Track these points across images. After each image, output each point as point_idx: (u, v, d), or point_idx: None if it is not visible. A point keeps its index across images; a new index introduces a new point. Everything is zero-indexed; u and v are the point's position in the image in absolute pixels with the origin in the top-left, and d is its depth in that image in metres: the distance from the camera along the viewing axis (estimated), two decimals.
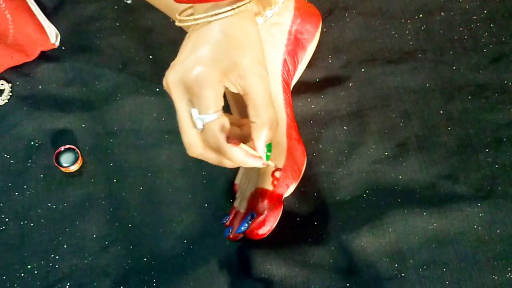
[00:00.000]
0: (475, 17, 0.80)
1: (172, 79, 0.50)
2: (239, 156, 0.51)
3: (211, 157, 0.52)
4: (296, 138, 0.69)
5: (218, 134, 0.49)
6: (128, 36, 0.82)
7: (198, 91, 0.48)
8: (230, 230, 0.65)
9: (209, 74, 0.48)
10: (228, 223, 0.66)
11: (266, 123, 0.51)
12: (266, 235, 0.64)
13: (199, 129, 0.50)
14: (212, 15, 0.49)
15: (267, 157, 0.53)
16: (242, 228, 0.63)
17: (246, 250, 0.68)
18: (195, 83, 0.48)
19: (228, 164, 0.53)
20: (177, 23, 0.53)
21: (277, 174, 0.65)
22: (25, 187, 0.72)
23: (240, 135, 0.52)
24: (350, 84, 0.77)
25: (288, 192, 0.66)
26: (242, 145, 0.51)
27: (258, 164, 0.52)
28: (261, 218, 0.63)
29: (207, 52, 0.49)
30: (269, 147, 0.53)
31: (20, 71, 0.79)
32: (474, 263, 0.65)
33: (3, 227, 0.70)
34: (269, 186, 0.64)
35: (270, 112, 0.51)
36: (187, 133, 0.51)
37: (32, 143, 0.75)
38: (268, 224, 0.63)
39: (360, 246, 0.66)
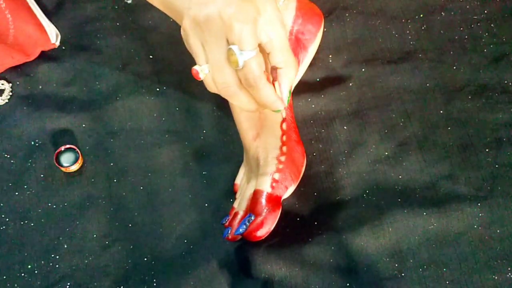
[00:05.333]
0: (475, 17, 0.80)
1: (208, 15, 0.49)
2: (270, 94, 0.52)
3: (241, 97, 0.53)
4: (296, 139, 0.69)
5: (257, 70, 0.50)
6: (128, 36, 0.82)
7: (238, 27, 0.48)
8: (229, 231, 0.65)
9: (247, 10, 0.48)
10: (227, 224, 0.66)
11: (293, 65, 0.53)
12: (264, 237, 0.64)
13: (240, 66, 0.50)
14: None
15: (287, 101, 0.55)
16: (240, 230, 0.63)
17: (246, 250, 0.68)
18: (234, 19, 0.48)
19: (253, 106, 0.54)
20: None
21: (276, 176, 0.65)
22: (25, 187, 0.72)
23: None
24: (351, 84, 0.77)
25: (287, 193, 0.66)
26: (276, 83, 0.53)
27: (280, 106, 0.54)
28: (259, 220, 0.63)
29: None
30: (289, 92, 0.55)
31: (20, 71, 0.79)
32: (474, 263, 0.65)
33: (3, 227, 0.70)
34: (267, 188, 0.64)
35: (293, 55, 0.53)
36: (224, 71, 0.51)
37: (32, 143, 0.75)
38: (266, 226, 0.63)
39: (360, 246, 0.66)
